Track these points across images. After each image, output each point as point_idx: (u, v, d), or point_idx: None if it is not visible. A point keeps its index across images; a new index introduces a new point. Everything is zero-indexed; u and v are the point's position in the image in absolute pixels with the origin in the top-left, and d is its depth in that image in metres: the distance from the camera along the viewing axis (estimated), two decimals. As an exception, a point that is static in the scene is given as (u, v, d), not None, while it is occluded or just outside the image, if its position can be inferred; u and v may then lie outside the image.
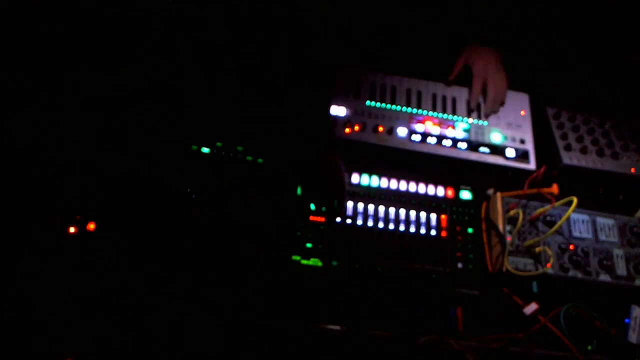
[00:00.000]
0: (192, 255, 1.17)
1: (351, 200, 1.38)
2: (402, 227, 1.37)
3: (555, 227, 1.31)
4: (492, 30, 1.58)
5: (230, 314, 1.20)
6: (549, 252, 1.34)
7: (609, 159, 1.54)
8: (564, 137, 1.56)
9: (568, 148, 1.54)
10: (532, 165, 1.51)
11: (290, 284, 1.28)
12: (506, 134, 1.54)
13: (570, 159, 1.52)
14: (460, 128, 1.53)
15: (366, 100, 1.52)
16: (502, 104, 1.56)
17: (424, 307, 1.27)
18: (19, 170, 1.27)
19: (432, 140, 1.49)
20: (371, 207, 1.38)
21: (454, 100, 1.57)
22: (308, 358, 1.19)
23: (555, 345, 1.25)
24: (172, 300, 1.18)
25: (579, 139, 1.56)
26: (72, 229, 1.21)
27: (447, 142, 1.49)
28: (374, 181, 1.43)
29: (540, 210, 1.38)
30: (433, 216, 1.40)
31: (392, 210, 1.39)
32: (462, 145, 1.50)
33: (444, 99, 1.57)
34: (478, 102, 1.56)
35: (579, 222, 1.42)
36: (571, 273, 1.34)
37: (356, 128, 1.47)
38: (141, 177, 1.28)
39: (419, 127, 1.51)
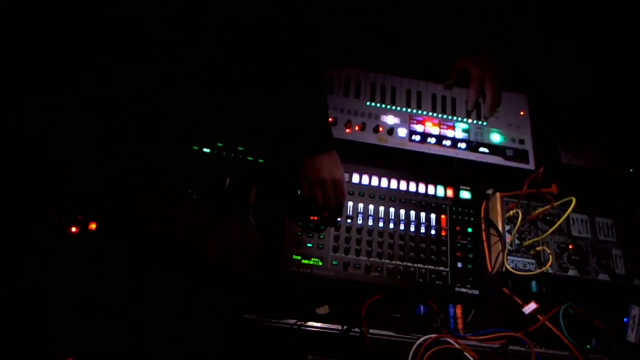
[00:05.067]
0: (193, 255, 1.17)
1: (351, 200, 1.38)
2: (402, 227, 1.37)
3: (554, 226, 1.32)
4: (491, 31, 1.58)
5: (231, 314, 1.21)
6: (548, 251, 1.35)
7: (607, 158, 1.55)
8: (563, 137, 1.57)
9: (567, 148, 1.55)
10: (531, 165, 1.51)
11: (290, 284, 1.29)
12: (505, 134, 1.54)
13: (569, 158, 1.53)
14: (459, 128, 1.53)
15: (366, 101, 1.52)
16: (499, 106, 1.57)
17: (424, 307, 1.28)
18: (21, 170, 1.27)
19: (431, 140, 1.49)
20: (371, 207, 1.39)
21: (453, 101, 1.57)
22: (308, 358, 1.19)
23: (555, 344, 1.26)
24: (173, 299, 1.18)
25: (578, 139, 1.57)
26: (73, 229, 1.21)
27: (446, 142, 1.50)
28: (374, 181, 1.43)
29: (540, 210, 1.39)
30: (433, 216, 1.40)
31: (392, 210, 1.39)
32: (462, 145, 1.50)
33: (444, 99, 1.57)
34: (475, 105, 1.56)
35: (577, 221, 1.43)
36: (570, 272, 1.35)
37: (356, 128, 1.48)
38: (142, 177, 1.29)
39: (418, 128, 1.51)
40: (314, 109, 1.34)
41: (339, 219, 1.35)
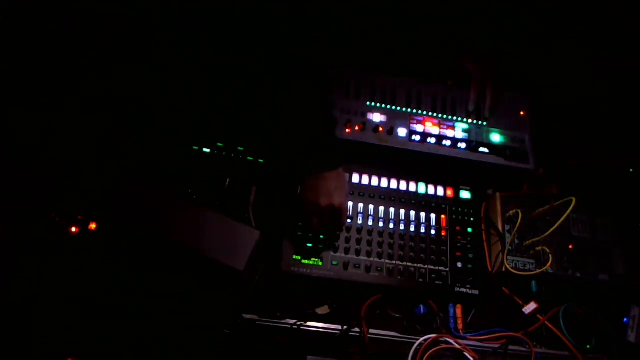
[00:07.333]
0: (193, 255, 1.17)
1: (351, 200, 1.38)
2: (402, 227, 1.37)
3: (554, 226, 1.32)
4: (491, 31, 1.58)
5: (231, 314, 1.21)
6: (548, 251, 1.35)
7: (607, 158, 1.55)
8: (563, 137, 1.57)
9: (567, 148, 1.55)
10: (531, 165, 1.51)
11: (290, 284, 1.29)
12: (505, 134, 1.54)
13: (569, 158, 1.53)
14: (459, 128, 1.53)
15: (366, 101, 1.52)
16: (499, 106, 1.57)
17: (424, 307, 1.28)
18: (21, 170, 1.27)
19: (431, 140, 1.49)
20: (371, 207, 1.39)
21: (453, 101, 1.57)
22: (308, 358, 1.19)
23: (555, 344, 1.26)
24: (173, 300, 1.18)
25: (578, 139, 1.57)
26: (73, 229, 1.21)
27: (446, 142, 1.50)
28: (374, 181, 1.43)
29: (540, 210, 1.39)
30: (433, 216, 1.40)
31: (392, 210, 1.39)
32: (462, 145, 1.50)
33: (444, 99, 1.57)
34: (476, 105, 1.56)
35: (577, 221, 1.43)
36: (570, 272, 1.35)
37: (356, 128, 1.48)
38: (142, 177, 1.29)
39: (418, 128, 1.51)
40: (314, 110, 1.34)
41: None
